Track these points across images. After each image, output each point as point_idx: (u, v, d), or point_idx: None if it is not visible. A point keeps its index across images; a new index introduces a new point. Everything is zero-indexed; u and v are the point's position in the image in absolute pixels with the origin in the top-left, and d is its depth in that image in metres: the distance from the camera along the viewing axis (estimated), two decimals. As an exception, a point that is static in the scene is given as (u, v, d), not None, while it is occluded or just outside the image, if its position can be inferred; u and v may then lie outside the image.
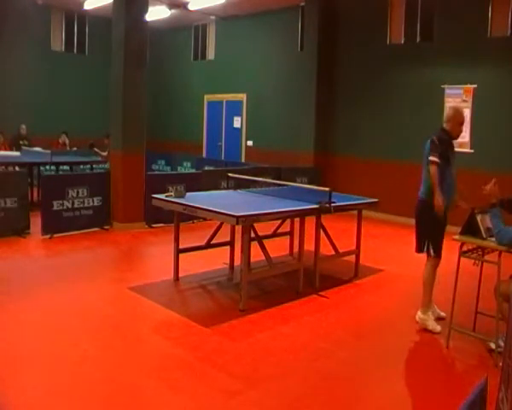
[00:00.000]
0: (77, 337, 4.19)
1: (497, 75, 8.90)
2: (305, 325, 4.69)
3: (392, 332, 4.54)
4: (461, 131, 4.74)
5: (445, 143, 4.58)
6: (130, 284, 5.49)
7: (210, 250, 6.07)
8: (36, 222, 7.51)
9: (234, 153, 13.64)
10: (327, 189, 5.52)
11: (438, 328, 4.53)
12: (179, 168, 13.32)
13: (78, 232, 7.77)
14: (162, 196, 5.60)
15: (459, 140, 9.56)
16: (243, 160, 13.23)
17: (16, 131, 12.02)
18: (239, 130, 13.65)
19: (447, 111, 5.06)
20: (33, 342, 4.08)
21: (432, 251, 4.58)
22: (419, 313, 4.63)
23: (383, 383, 3.74)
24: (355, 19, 10.94)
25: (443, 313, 4.75)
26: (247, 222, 4.75)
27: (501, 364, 3.11)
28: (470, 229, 4.04)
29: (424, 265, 4.71)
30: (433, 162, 4.44)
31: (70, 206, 7.78)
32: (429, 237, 4.60)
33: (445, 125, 4.69)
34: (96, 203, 8.12)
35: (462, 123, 4.69)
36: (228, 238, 6.10)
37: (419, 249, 4.73)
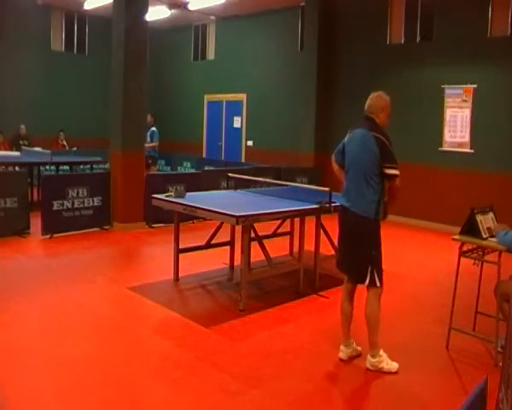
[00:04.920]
0: (76, 337, 4.19)
1: (497, 75, 8.90)
2: (305, 325, 4.69)
3: (391, 332, 4.53)
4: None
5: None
6: (130, 284, 5.49)
7: (210, 250, 6.06)
8: (36, 222, 7.51)
9: (234, 153, 13.65)
10: (327, 189, 5.51)
11: (394, 366, 3.79)
12: (179, 168, 13.34)
13: (78, 232, 7.77)
14: (162, 196, 5.61)
15: (459, 140, 9.71)
16: (243, 160, 13.24)
17: (16, 131, 12.04)
18: (239, 130, 13.65)
19: (376, 100, 3.84)
20: (33, 342, 4.07)
21: (377, 280, 3.74)
22: (369, 358, 3.81)
23: (383, 383, 3.74)
24: (355, 19, 10.94)
25: (359, 348, 4.01)
26: (247, 222, 4.75)
27: (501, 364, 3.11)
28: (470, 229, 4.03)
29: (367, 293, 3.84)
30: (396, 176, 3.67)
31: (70, 206, 7.78)
32: (375, 264, 3.75)
33: (373, 117, 3.79)
34: (96, 203, 8.12)
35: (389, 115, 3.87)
36: (228, 238, 6.10)
37: (361, 280, 3.79)
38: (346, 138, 3.96)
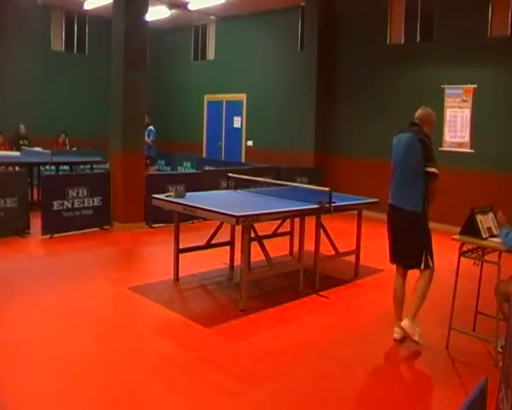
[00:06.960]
0: (76, 337, 4.19)
1: (497, 75, 8.90)
2: (305, 325, 4.69)
3: (391, 332, 4.52)
4: None
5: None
6: (130, 284, 5.49)
7: (210, 250, 6.06)
8: (36, 222, 7.51)
9: (234, 153, 13.65)
10: (327, 189, 5.51)
11: (419, 341, 4.19)
12: (179, 168, 13.34)
13: (78, 232, 7.77)
14: (162, 196, 5.61)
15: (459, 140, 9.70)
16: (243, 160, 13.23)
17: (16, 131, 12.03)
18: (239, 130, 13.65)
19: (426, 114, 4.46)
20: (33, 342, 4.07)
21: (430, 261, 4.29)
22: (407, 321, 4.19)
23: (383, 383, 3.74)
24: (355, 19, 10.95)
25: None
26: (247, 222, 4.75)
27: (501, 364, 3.11)
28: (470, 229, 4.03)
29: (418, 276, 4.34)
30: (436, 175, 4.14)
31: (70, 206, 7.78)
32: (428, 249, 4.31)
33: (420, 124, 4.35)
34: (96, 203, 8.11)
35: None
36: (228, 238, 6.10)
37: (417, 265, 4.29)
38: (393, 141, 4.42)
